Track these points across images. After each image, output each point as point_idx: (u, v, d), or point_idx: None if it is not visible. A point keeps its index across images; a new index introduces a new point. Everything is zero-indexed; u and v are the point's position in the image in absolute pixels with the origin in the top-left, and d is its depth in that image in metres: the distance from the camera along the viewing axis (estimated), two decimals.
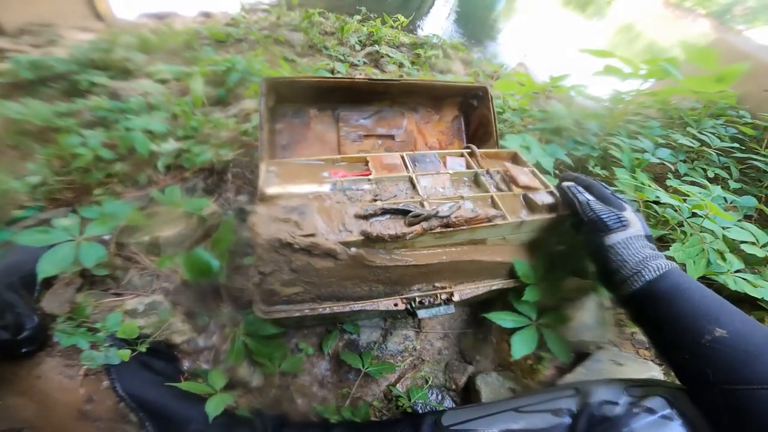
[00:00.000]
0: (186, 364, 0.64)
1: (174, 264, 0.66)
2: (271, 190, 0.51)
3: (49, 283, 0.65)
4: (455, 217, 0.50)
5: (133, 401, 0.55)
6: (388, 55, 1.56)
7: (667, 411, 0.39)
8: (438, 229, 0.50)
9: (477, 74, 1.68)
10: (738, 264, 0.69)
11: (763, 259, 0.72)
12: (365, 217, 0.49)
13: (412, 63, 1.61)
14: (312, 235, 0.45)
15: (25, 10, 1.58)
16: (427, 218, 0.49)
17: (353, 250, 0.47)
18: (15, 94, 1.01)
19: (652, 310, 0.46)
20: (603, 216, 0.51)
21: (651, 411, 0.40)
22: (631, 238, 0.50)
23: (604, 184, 0.58)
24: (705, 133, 1.14)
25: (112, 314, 0.60)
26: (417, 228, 0.48)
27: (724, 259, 0.69)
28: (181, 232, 0.74)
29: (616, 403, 0.43)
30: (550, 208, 0.57)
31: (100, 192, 0.81)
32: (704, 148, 1.08)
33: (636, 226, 0.51)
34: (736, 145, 1.14)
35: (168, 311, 0.63)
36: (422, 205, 0.53)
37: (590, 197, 0.55)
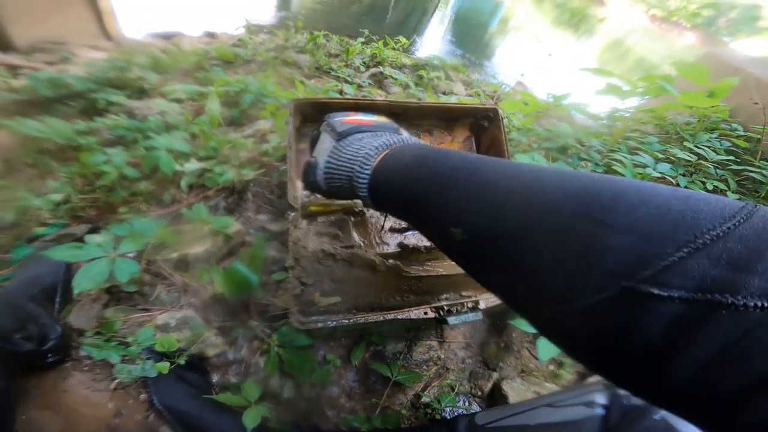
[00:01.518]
0: (215, 378, 0.66)
1: (209, 278, 0.68)
2: (311, 206, 0.54)
3: (69, 297, 0.66)
4: None
5: (170, 414, 0.56)
6: (392, 77, 1.61)
7: None
8: None
9: (478, 94, 1.74)
10: None
11: None
12: (400, 231, 0.52)
13: (416, 84, 1.66)
14: (352, 246, 0.47)
15: (37, 27, 1.60)
16: None
17: (391, 261, 0.49)
18: (31, 112, 1.02)
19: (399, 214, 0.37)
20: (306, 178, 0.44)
21: None
22: (328, 161, 0.42)
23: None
24: (701, 146, 1.19)
25: (144, 329, 0.62)
26: None
27: None
28: (209, 250, 0.76)
29: None
30: None
31: (124, 210, 0.83)
32: (701, 161, 1.13)
33: (325, 143, 0.44)
34: (731, 157, 1.19)
35: (202, 325, 0.64)
36: None
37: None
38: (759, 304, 0.15)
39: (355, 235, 0.50)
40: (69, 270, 0.69)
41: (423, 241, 0.50)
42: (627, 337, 0.18)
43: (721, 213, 0.17)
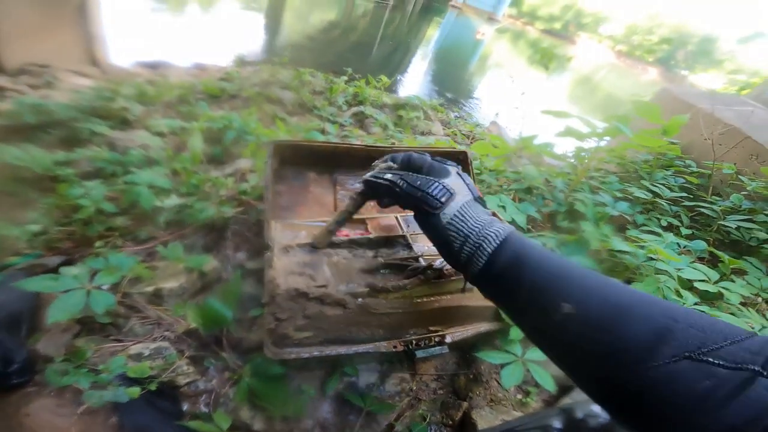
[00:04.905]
0: (185, 406, 0.66)
1: (183, 312, 0.69)
2: (285, 244, 0.57)
3: (37, 325, 0.67)
4: (446, 270, 0.57)
5: None
6: (373, 116, 1.67)
7: None
8: (432, 280, 0.56)
9: (455, 134, 1.82)
10: (693, 299, 0.78)
11: (717, 294, 0.81)
12: (370, 272, 0.55)
13: (395, 124, 1.72)
14: (324, 286, 0.51)
15: (26, 50, 1.60)
16: (423, 271, 0.56)
17: (360, 300, 0.53)
18: (12, 138, 1.02)
19: (502, 287, 0.42)
20: (431, 190, 0.44)
21: None
22: (465, 205, 0.45)
23: (420, 152, 0.52)
24: (657, 184, 1.28)
25: (117, 357, 0.63)
26: (415, 280, 0.55)
27: (680, 295, 0.78)
28: (183, 285, 0.77)
29: (599, 416, 0.48)
30: None
31: (100, 244, 0.83)
32: (657, 199, 1.22)
33: (463, 190, 0.46)
34: (684, 194, 1.28)
35: (175, 355, 0.66)
36: (417, 260, 0.60)
37: (403, 173, 0.48)
38: (764, 372, 0.27)
39: (328, 274, 0.53)
40: (37, 299, 0.70)
41: (391, 281, 0.54)
42: (688, 389, 0.29)
43: (747, 331, 0.30)
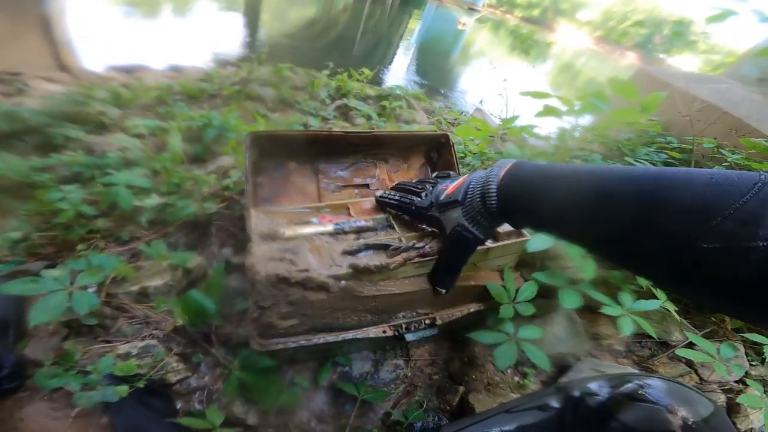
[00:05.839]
0: (179, 405, 0.66)
1: (168, 307, 0.69)
2: (266, 232, 0.56)
3: (24, 331, 0.66)
4: (430, 248, 0.57)
5: None
6: (357, 108, 1.66)
7: (642, 395, 0.45)
8: (416, 259, 0.56)
9: (439, 122, 1.81)
10: None
11: None
12: (352, 253, 0.55)
13: (379, 115, 1.71)
14: (306, 270, 0.50)
15: None
16: (405, 250, 0.56)
17: (343, 282, 0.52)
18: None
19: (517, 215, 0.47)
20: (447, 194, 0.53)
21: (628, 396, 0.45)
22: (464, 213, 0.51)
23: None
24: (640, 160, 1.29)
25: (104, 357, 0.62)
26: (398, 259, 0.55)
27: None
28: (168, 282, 0.76)
29: (597, 394, 0.48)
30: (510, 235, 0.66)
31: (83, 247, 0.82)
32: None
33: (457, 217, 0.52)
34: None
35: (163, 352, 0.65)
36: (400, 241, 0.60)
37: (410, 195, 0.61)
38: None
39: (309, 258, 0.52)
40: (23, 305, 0.68)
41: (373, 262, 0.53)
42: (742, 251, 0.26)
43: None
